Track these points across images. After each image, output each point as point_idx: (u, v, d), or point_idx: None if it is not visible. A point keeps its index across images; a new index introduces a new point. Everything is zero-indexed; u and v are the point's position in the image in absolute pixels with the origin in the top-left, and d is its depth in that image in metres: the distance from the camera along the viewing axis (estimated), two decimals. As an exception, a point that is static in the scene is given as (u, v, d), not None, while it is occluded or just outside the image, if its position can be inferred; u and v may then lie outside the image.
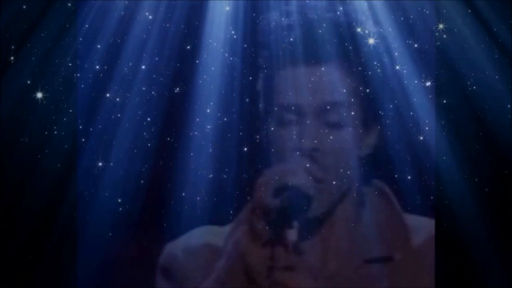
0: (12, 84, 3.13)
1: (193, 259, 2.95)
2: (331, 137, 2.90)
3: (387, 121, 3.03)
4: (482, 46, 3.13)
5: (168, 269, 2.97)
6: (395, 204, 3.00)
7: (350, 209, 2.96)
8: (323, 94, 2.90)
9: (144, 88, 3.07)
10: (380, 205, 2.99)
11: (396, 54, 3.06)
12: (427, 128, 3.07)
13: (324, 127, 2.90)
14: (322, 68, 2.91)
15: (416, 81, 3.07)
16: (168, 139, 3.07)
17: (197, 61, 3.05)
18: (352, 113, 2.92)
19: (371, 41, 2.99)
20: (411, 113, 3.06)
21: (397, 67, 3.06)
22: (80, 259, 3.09)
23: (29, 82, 3.12)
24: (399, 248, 2.96)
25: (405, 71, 3.07)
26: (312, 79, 2.90)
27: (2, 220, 3.14)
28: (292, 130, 2.89)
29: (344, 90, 2.92)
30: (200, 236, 2.99)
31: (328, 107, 2.90)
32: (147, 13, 3.08)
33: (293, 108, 2.90)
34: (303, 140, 2.88)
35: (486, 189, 3.14)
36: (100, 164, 3.06)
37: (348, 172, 2.92)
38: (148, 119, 3.08)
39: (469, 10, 3.13)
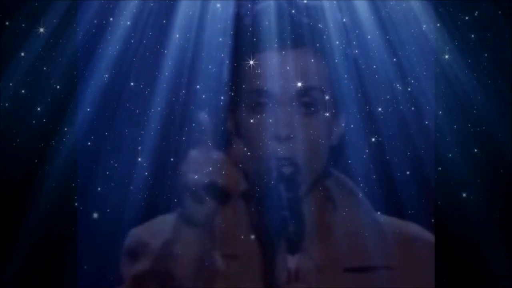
0: (10, 86, 3.15)
1: (156, 241, 2.88)
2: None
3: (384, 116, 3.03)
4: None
5: (133, 251, 2.93)
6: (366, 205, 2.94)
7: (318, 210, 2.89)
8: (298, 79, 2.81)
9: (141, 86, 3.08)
10: (350, 205, 2.92)
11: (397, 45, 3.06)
12: (426, 123, 3.07)
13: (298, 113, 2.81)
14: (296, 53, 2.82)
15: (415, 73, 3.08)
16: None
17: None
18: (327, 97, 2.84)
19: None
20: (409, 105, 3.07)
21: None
22: (80, 259, 3.09)
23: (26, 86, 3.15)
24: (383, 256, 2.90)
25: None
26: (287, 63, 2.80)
27: (2, 220, 3.15)
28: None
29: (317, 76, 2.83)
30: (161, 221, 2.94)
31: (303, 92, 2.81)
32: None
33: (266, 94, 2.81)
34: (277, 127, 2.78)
35: (487, 189, 3.15)
36: (100, 163, 3.08)
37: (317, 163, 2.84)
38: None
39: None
